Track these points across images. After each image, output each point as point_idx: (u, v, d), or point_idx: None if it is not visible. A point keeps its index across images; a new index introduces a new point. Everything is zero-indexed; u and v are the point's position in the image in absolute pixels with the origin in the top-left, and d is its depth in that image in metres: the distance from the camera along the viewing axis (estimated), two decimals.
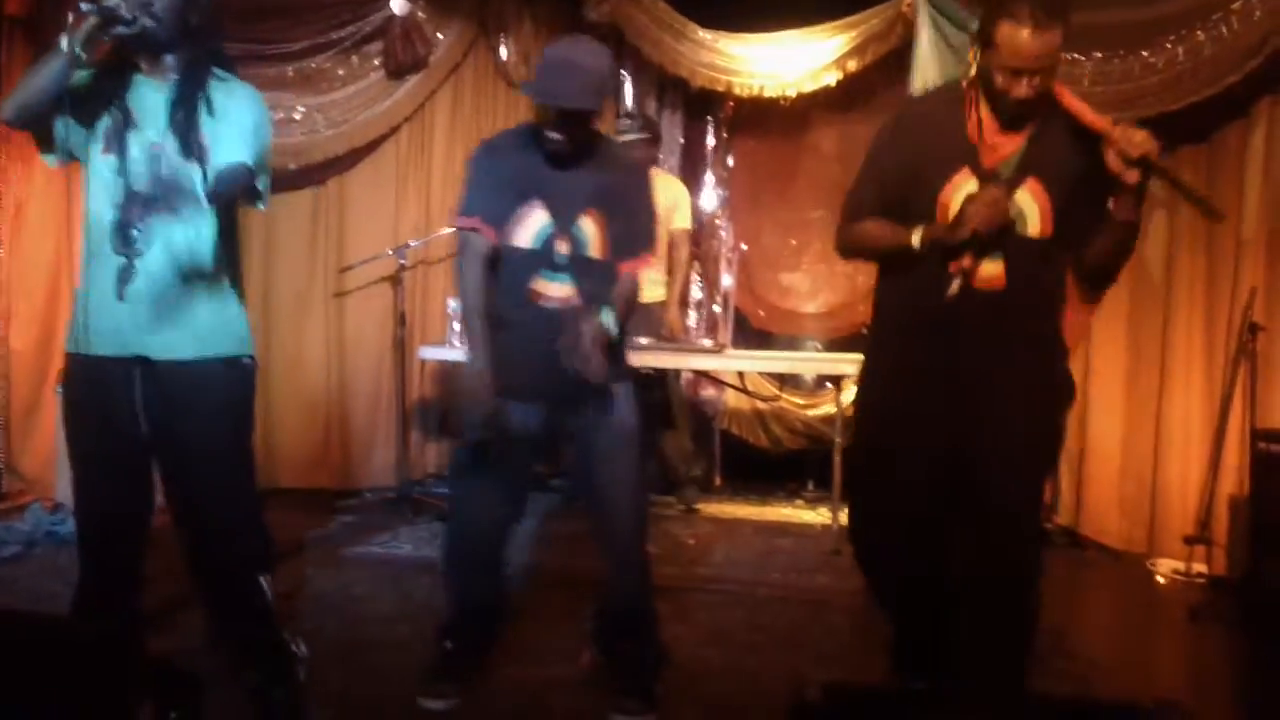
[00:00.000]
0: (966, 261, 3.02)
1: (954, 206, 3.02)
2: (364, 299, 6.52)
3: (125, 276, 2.99)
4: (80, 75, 2.90)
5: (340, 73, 6.26)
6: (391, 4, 6.14)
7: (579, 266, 3.40)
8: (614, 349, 3.33)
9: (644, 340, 5.75)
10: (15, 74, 5.72)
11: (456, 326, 5.61)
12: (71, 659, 2.36)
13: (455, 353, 5.54)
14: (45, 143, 3.04)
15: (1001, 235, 2.98)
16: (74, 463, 3.15)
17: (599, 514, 3.55)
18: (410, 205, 6.63)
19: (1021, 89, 2.88)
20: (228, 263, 3.15)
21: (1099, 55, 5.27)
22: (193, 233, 3.05)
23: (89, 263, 3.04)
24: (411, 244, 6.27)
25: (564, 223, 3.37)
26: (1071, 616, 4.62)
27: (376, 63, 6.31)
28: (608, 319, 3.20)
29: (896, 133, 3.22)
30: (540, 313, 3.38)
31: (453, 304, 5.68)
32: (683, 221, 6.29)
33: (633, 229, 3.42)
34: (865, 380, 3.48)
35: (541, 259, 3.38)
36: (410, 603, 4.52)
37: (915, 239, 3.04)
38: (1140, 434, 5.56)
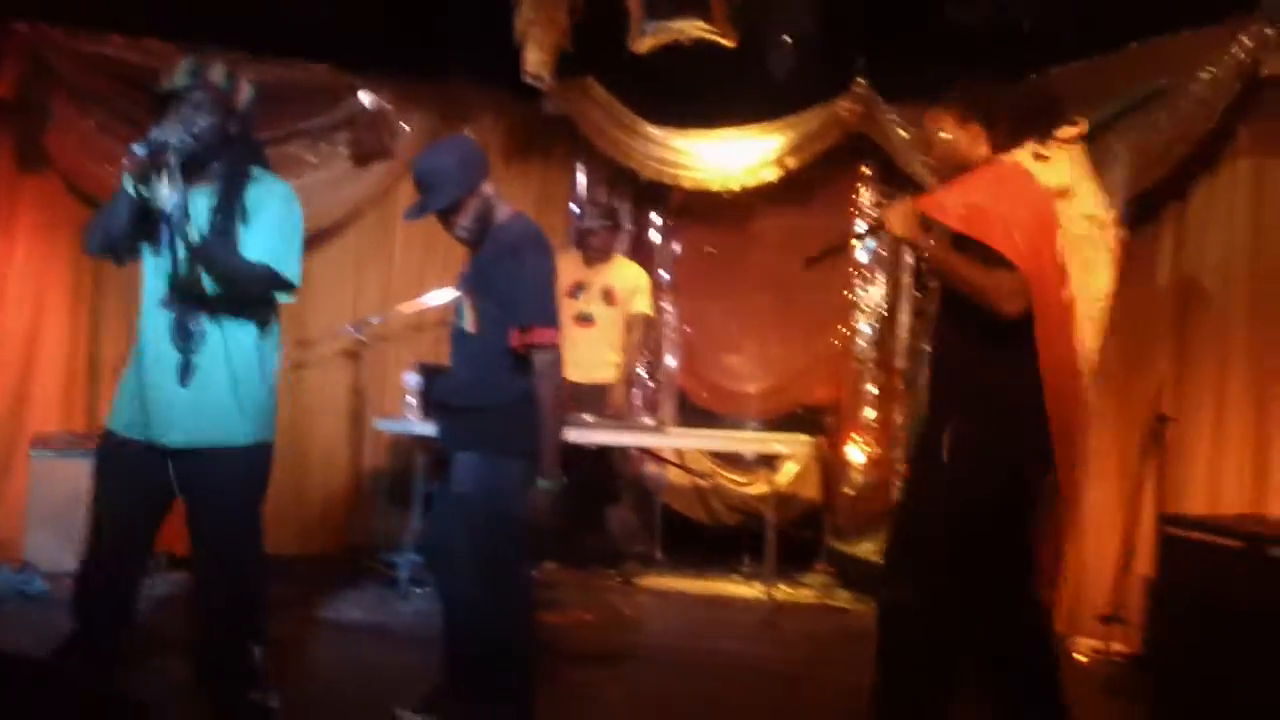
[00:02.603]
0: None
1: None
2: (322, 372, 6.71)
3: (180, 369, 3.32)
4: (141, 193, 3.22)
5: (310, 159, 6.53)
6: (360, 96, 6.46)
7: (457, 341, 3.83)
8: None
9: (588, 418, 6.02)
10: (2, 156, 6.04)
11: (412, 400, 5.81)
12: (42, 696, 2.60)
13: (410, 425, 5.76)
14: (119, 259, 3.42)
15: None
16: (97, 526, 3.43)
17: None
18: (371, 284, 6.87)
19: None
20: (263, 353, 3.45)
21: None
22: (234, 328, 3.35)
23: (141, 352, 3.37)
24: (372, 320, 6.54)
25: (458, 304, 3.82)
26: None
27: (344, 150, 6.60)
28: None
29: None
30: None
31: (409, 378, 5.87)
32: (641, 306, 6.56)
33: (502, 304, 3.68)
34: None
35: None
36: (358, 664, 4.72)
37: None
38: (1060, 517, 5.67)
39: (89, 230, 3.40)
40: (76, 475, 5.73)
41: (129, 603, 3.53)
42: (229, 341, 3.42)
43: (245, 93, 3.52)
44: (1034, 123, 3.61)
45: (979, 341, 3.44)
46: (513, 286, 3.67)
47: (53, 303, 6.28)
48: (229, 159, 3.45)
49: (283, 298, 3.55)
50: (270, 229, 3.43)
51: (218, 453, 3.43)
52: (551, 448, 3.63)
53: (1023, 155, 3.49)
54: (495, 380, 3.69)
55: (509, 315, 3.65)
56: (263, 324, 3.52)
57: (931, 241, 3.44)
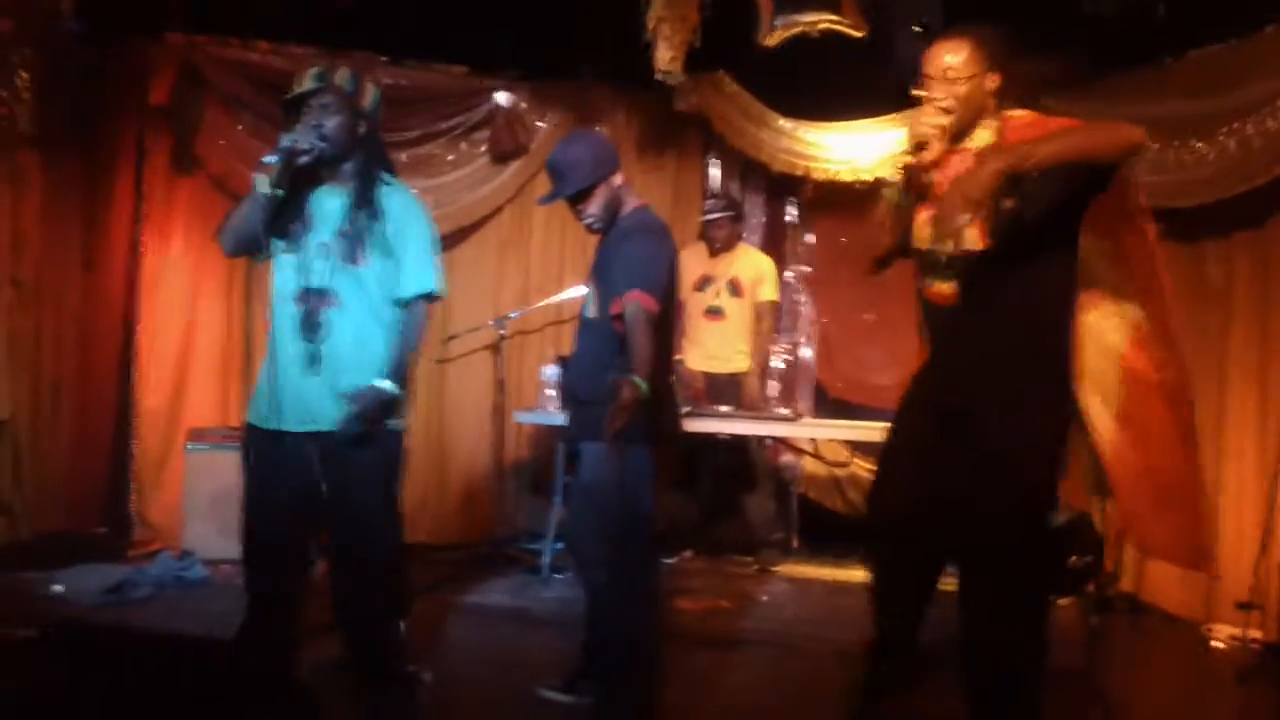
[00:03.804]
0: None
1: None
2: (464, 366, 6.90)
3: (308, 360, 3.49)
4: (277, 194, 3.40)
5: (449, 158, 6.75)
6: (496, 96, 6.64)
7: (583, 329, 4.00)
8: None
9: (724, 408, 6.12)
10: (158, 160, 6.35)
11: (550, 393, 5.99)
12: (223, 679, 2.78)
13: (549, 417, 5.92)
14: (254, 257, 3.58)
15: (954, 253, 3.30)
16: (250, 519, 3.59)
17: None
18: (510, 279, 7.05)
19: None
20: (392, 342, 3.59)
21: (1155, 146, 5.46)
22: (364, 323, 3.53)
23: (276, 346, 3.53)
24: (511, 315, 6.71)
25: (588, 293, 4.00)
26: (1127, 677, 4.84)
27: (482, 149, 6.79)
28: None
29: None
30: None
31: (548, 371, 6.05)
32: (768, 294, 6.65)
33: (611, 281, 3.80)
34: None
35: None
36: (502, 646, 4.90)
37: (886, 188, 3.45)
38: None
39: (223, 232, 3.54)
40: (231, 468, 5.92)
41: (291, 588, 3.64)
42: (358, 330, 3.54)
43: (370, 94, 3.64)
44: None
45: (1022, 313, 3.34)
46: (621, 265, 3.79)
47: (207, 300, 6.58)
48: (359, 159, 3.57)
49: None
50: (425, 244, 3.60)
51: (331, 437, 3.55)
52: (641, 363, 3.62)
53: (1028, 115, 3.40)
54: (615, 360, 3.76)
55: (614, 291, 3.77)
56: (393, 320, 3.61)
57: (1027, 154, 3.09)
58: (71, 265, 6.15)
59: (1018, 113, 3.40)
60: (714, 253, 6.71)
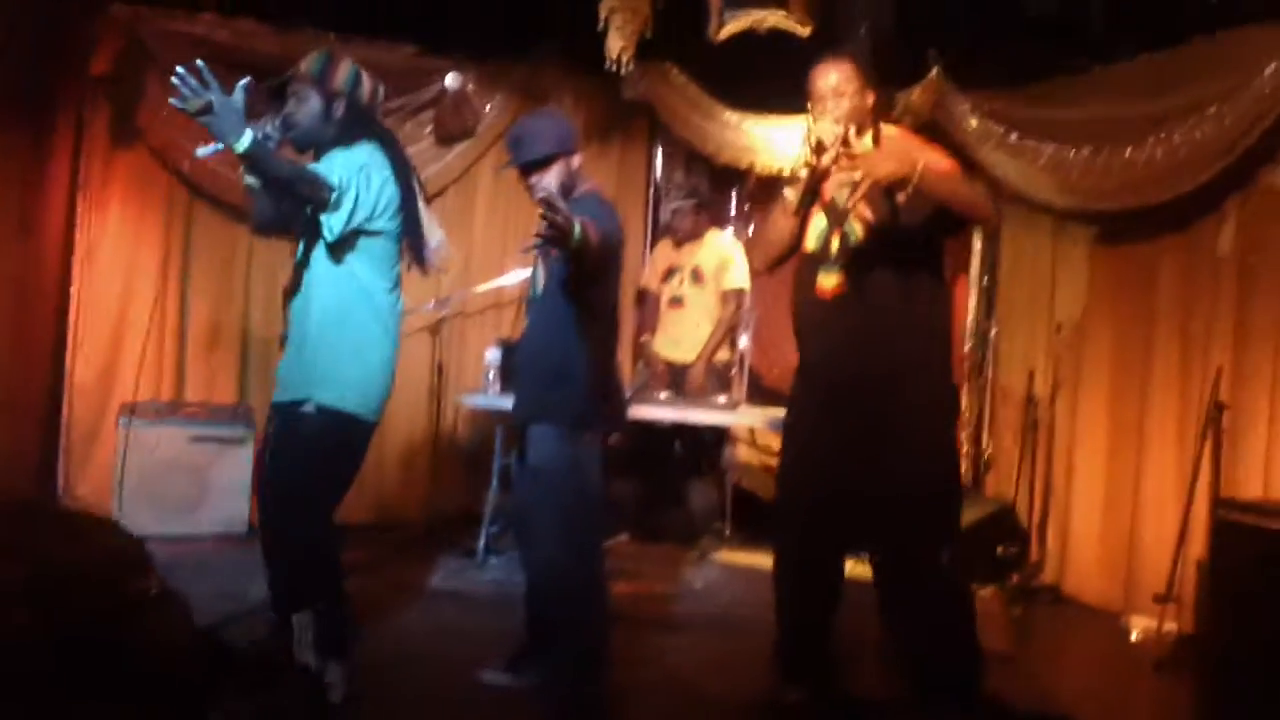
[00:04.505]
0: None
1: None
2: (404, 348, 6.60)
3: (293, 333, 3.98)
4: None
5: None
6: (446, 78, 6.64)
7: (531, 308, 4.07)
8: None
9: (663, 395, 6.19)
10: (98, 130, 6.29)
11: (491, 376, 6.00)
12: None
13: (492, 400, 5.93)
14: (285, 235, 3.96)
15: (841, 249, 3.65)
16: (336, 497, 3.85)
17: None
18: (452, 262, 7.06)
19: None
20: (348, 321, 3.77)
21: (1087, 150, 5.64)
22: (323, 293, 3.75)
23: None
24: (452, 297, 6.74)
25: (533, 272, 4.03)
26: (1047, 667, 4.95)
27: (427, 130, 6.79)
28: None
29: None
30: None
31: (490, 354, 6.05)
32: (732, 282, 6.71)
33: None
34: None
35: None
36: (440, 627, 4.94)
37: (788, 190, 3.70)
38: (1119, 500, 5.83)
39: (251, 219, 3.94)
40: (163, 443, 6.01)
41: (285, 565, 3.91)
42: (317, 308, 3.70)
43: (343, 73, 3.74)
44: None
45: (906, 296, 3.68)
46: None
47: (143, 274, 6.52)
48: (338, 137, 3.70)
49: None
50: (331, 160, 3.68)
51: (286, 409, 3.77)
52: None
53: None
54: (564, 341, 3.79)
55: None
56: (350, 293, 3.73)
57: (921, 168, 3.40)
58: (7, 230, 6.06)
59: (890, 129, 3.76)
60: (678, 243, 6.80)
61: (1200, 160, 5.23)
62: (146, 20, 6.21)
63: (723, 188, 7.62)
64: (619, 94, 6.81)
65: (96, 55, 6.15)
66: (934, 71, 6.21)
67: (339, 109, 3.72)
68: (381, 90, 3.89)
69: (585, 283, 3.68)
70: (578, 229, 3.31)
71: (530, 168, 3.81)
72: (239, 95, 3.36)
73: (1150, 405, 5.71)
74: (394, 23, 6.46)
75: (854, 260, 3.64)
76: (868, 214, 3.64)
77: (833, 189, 3.75)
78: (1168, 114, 5.36)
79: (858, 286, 3.65)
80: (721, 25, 5.59)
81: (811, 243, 3.74)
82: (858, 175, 3.51)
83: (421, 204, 3.89)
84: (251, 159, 3.42)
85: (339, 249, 3.69)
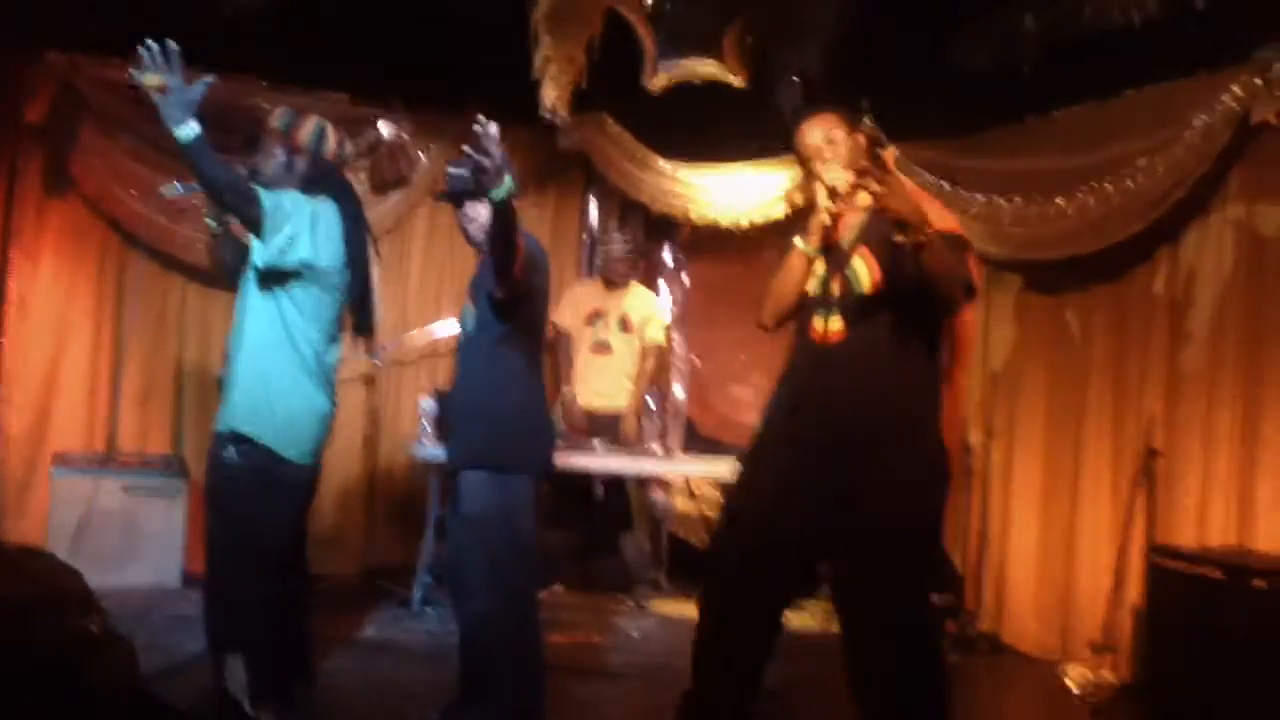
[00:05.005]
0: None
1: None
2: (338, 396, 6.83)
3: None
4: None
5: None
6: (380, 126, 6.63)
7: (462, 349, 4.09)
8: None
9: (600, 444, 6.17)
10: (31, 178, 6.22)
11: (426, 425, 5.97)
12: None
13: (426, 450, 5.88)
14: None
15: (843, 294, 3.54)
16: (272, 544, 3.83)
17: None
18: (386, 310, 7.00)
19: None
20: (270, 361, 3.90)
21: (1019, 200, 5.69)
22: (254, 330, 3.89)
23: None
24: (386, 346, 6.69)
25: (464, 312, 4.06)
26: (986, 717, 4.98)
27: (363, 177, 6.76)
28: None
29: None
30: None
31: (424, 404, 6.02)
32: (654, 335, 6.74)
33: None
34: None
35: None
36: (374, 679, 4.86)
37: (798, 239, 3.59)
38: (1055, 549, 5.83)
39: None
40: (95, 493, 5.91)
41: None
42: (247, 341, 3.81)
43: (307, 130, 3.91)
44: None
45: (905, 347, 3.56)
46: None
47: (75, 324, 6.46)
48: (301, 190, 3.83)
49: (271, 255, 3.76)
50: (282, 194, 3.78)
51: (215, 442, 3.85)
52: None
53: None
54: (493, 381, 3.81)
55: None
56: (275, 333, 3.79)
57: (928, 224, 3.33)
58: None
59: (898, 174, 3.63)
60: (609, 285, 6.80)
61: (1133, 210, 5.30)
62: (82, 68, 6.17)
63: (657, 238, 7.63)
64: (554, 144, 6.85)
65: (31, 103, 6.11)
66: (865, 121, 6.25)
67: (301, 163, 3.86)
68: (348, 147, 3.98)
69: (510, 280, 3.64)
70: (509, 179, 3.33)
71: (466, 197, 3.85)
72: (199, 88, 3.47)
73: (1084, 453, 5.74)
74: (329, 72, 6.43)
75: (856, 305, 3.56)
76: (871, 258, 3.55)
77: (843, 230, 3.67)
78: (1100, 165, 5.42)
79: (858, 332, 3.56)
80: (656, 75, 5.62)
81: (812, 286, 3.65)
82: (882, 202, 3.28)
83: (375, 271, 3.99)
84: (190, 151, 3.49)
85: (269, 281, 3.76)
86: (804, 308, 3.65)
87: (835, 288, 3.58)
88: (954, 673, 5.16)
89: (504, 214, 3.44)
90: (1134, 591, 5.22)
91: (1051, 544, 5.91)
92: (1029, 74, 5.38)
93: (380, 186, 6.78)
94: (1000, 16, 5.28)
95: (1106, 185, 5.37)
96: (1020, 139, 5.93)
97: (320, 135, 3.93)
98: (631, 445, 6.47)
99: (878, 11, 5.31)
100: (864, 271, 3.54)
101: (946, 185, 6.04)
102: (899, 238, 3.27)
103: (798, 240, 3.60)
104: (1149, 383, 5.43)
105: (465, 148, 3.28)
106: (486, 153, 3.26)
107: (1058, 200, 5.58)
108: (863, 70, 5.81)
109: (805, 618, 5.97)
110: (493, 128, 3.28)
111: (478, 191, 3.48)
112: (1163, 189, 5.19)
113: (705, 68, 5.61)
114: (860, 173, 3.27)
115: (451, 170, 3.92)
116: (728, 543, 3.82)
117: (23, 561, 2.68)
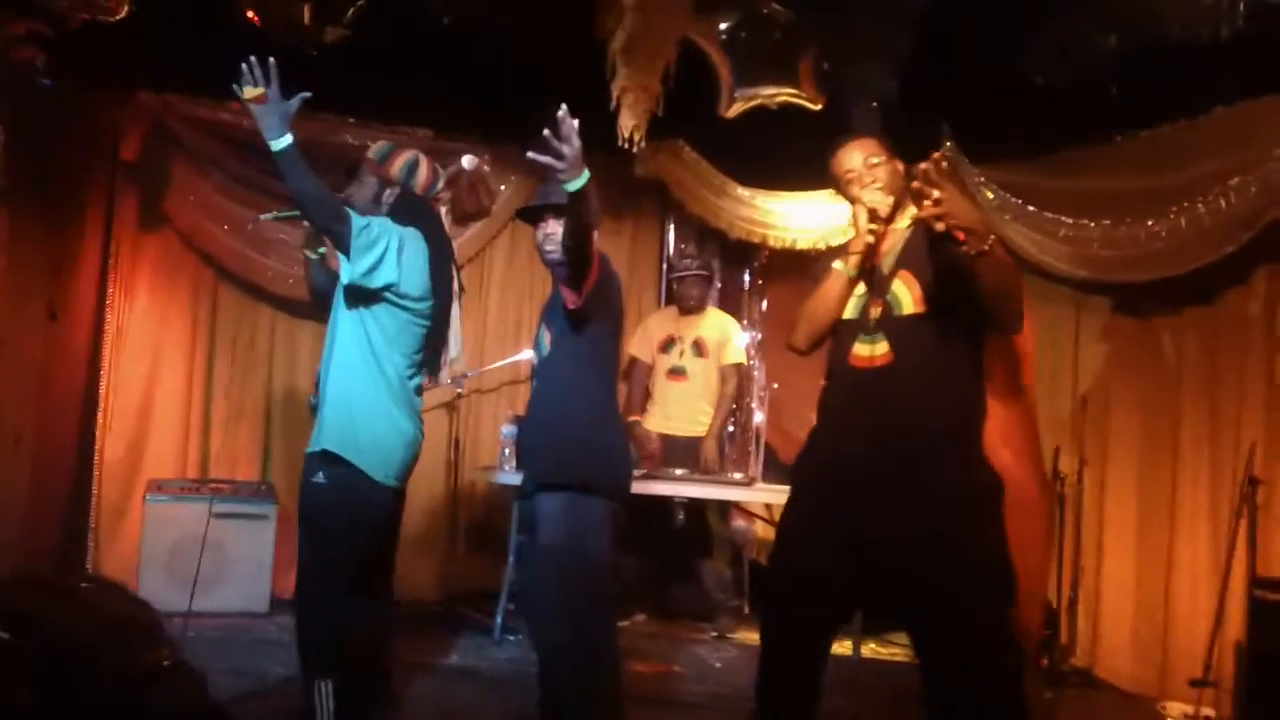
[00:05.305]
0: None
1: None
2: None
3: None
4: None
5: None
6: (463, 160, 6.68)
7: (538, 373, 4.12)
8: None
9: (679, 471, 6.13)
10: (127, 215, 6.43)
11: (508, 452, 5.95)
12: None
13: (507, 476, 5.87)
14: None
15: (884, 318, 3.45)
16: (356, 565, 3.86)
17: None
18: (467, 340, 7.04)
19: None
20: (356, 381, 3.94)
21: (1107, 222, 5.60)
22: (342, 356, 3.94)
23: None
24: (468, 374, 6.75)
25: (538, 336, 4.12)
26: None
27: (444, 210, 6.82)
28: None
29: None
30: None
31: (505, 430, 6.02)
32: (732, 357, 6.69)
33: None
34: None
35: None
36: (455, 707, 4.86)
37: (837, 263, 3.55)
38: (1151, 580, 5.69)
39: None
40: (188, 520, 5.99)
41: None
42: (335, 360, 3.88)
43: (400, 163, 4.06)
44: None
45: (951, 368, 3.47)
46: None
47: (169, 355, 6.65)
48: (390, 219, 3.92)
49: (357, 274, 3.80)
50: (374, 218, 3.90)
51: (307, 464, 3.89)
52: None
53: None
54: (570, 403, 3.82)
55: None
56: (360, 352, 3.84)
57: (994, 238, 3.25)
58: (36, 316, 6.13)
59: None
60: (685, 311, 6.79)
61: (1225, 231, 5.18)
62: (173, 107, 6.36)
63: (735, 264, 7.62)
64: (631, 172, 6.87)
65: (124, 142, 6.34)
66: (946, 144, 6.19)
67: (391, 195, 4.00)
68: (441, 182, 4.04)
69: (583, 288, 3.70)
70: (585, 172, 3.39)
71: (548, 215, 3.87)
72: (295, 101, 3.65)
73: (1181, 480, 5.61)
74: (412, 106, 6.54)
75: (897, 328, 3.47)
76: (913, 280, 3.46)
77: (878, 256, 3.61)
78: (1191, 184, 5.33)
79: (903, 355, 3.47)
80: (732, 102, 5.60)
81: (848, 310, 3.59)
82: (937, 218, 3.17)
83: (456, 306, 4.12)
84: (284, 160, 3.63)
85: (356, 301, 3.83)
86: (840, 332, 3.60)
87: (874, 311, 3.51)
88: (1047, 709, 5.13)
89: (580, 205, 3.47)
90: (1235, 625, 5.07)
91: (1148, 575, 5.77)
92: (1115, 92, 5.25)
93: (461, 218, 6.81)
94: (1082, 34, 5.17)
95: (1198, 205, 5.28)
96: (1107, 158, 5.84)
97: (412, 168, 4.07)
98: (711, 471, 6.41)
99: (955, 31, 5.22)
100: (905, 294, 3.46)
101: (1031, 207, 5.95)
102: (961, 247, 3.19)
103: (837, 263, 3.56)
104: (1246, 407, 5.31)
105: (546, 132, 3.29)
106: (567, 139, 3.29)
107: (1148, 221, 5.48)
108: (939, 92, 5.75)
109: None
110: (572, 119, 3.31)
111: (559, 182, 3.46)
112: (1255, 208, 5.08)
113: (782, 93, 5.57)
114: (922, 178, 3.16)
115: (540, 188, 3.99)
116: (777, 570, 3.72)
117: (91, 597, 2.69)
